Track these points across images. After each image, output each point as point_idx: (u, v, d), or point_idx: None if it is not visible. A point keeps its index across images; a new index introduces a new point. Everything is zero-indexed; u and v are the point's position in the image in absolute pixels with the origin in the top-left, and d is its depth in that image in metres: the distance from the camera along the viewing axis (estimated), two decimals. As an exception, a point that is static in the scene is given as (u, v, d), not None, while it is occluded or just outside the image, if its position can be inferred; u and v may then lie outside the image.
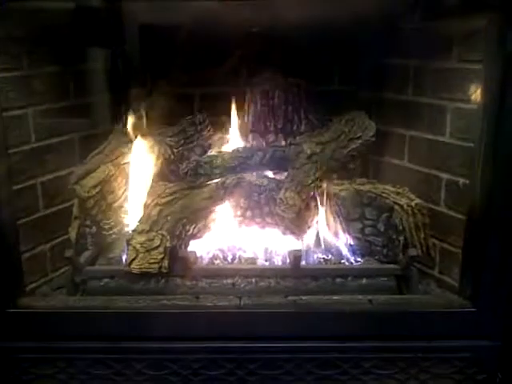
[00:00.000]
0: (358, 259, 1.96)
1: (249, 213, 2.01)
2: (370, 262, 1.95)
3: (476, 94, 1.77)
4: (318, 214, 1.99)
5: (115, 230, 2.03)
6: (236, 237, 2.02)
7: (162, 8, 1.92)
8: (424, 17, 1.97)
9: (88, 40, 2.11)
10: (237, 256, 1.97)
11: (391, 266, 1.90)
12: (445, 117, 1.94)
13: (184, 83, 2.35)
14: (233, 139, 2.28)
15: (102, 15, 2.08)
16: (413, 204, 1.87)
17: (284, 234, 1.97)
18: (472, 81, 1.80)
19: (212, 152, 2.25)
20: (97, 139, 2.14)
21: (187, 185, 2.05)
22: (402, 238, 1.87)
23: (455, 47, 1.88)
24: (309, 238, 1.99)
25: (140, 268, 1.75)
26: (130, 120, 2.14)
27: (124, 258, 1.89)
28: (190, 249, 1.90)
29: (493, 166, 1.66)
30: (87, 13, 1.98)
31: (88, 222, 1.98)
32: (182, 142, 2.22)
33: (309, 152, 2.01)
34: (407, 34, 2.05)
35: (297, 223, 1.93)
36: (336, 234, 2.00)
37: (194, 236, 1.94)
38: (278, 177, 2.12)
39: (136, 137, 2.09)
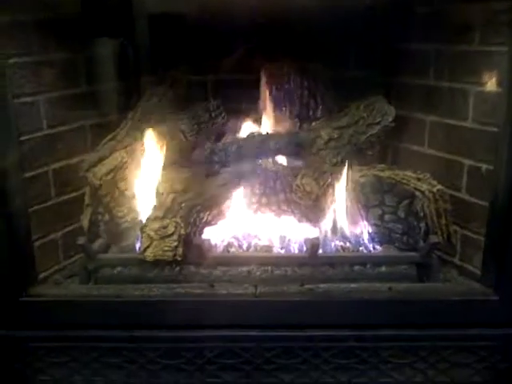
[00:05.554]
0: (377, 247, 1.92)
1: (264, 200, 1.99)
2: (389, 250, 1.92)
3: (500, 76, 1.72)
4: (335, 200, 1.95)
5: (128, 217, 2.00)
6: (251, 224, 2.00)
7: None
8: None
9: (99, 27, 2.07)
10: (252, 244, 1.94)
11: (411, 253, 1.86)
12: (467, 101, 1.88)
13: (197, 70, 2.33)
14: (248, 125, 2.24)
15: (114, 2, 2.06)
16: (434, 190, 1.83)
17: (300, 221, 1.94)
18: (496, 63, 1.75)
19: (227, 139, 2.21)
20: (108, 127, 2.12)
21: (202, 172, 2.02)
22: (423, 225, 1.83)
23: (477, 29, 1.82)
24: (326, 226, 1.95)
25: (154, 256, 1.73)
26: (143, 107, 2.11)
27: (137, 245, 1.87)
28: (204, 236, 1.87)
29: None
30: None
31: (100, 210, 1.96)
32: (196, 128, 2.19)
33: (326, 137, 1.98)
34: (427, 16, 2.00)
35: (314, 210, 1.90)
36: (354, 221, 1.96)
37: (208, 223, 1.91)
38: (294, 163, 2.08)
39: (149, 123, 2.06)
